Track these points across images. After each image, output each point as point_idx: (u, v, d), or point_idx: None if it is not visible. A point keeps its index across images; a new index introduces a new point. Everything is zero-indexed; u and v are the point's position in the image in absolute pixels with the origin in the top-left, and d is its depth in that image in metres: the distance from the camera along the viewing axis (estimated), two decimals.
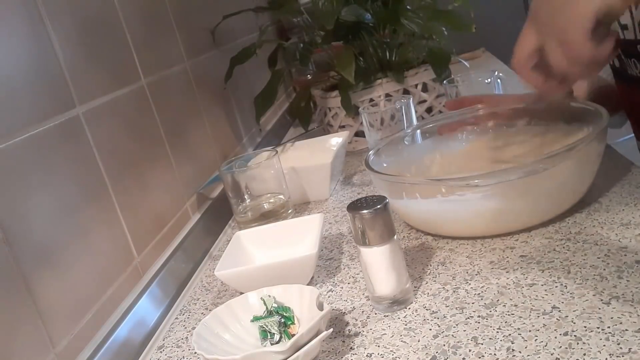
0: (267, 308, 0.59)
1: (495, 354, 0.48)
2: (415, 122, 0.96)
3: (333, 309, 0.61)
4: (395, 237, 0.57)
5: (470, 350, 0.49)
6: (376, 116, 0.95)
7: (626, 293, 0.51)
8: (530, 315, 0.51)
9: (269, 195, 0.91)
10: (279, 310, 0.58)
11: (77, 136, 0.70)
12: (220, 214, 1.00)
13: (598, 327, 0.47)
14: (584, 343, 0.46)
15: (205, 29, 1.26)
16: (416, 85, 1.14)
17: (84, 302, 0.64)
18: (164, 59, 1.00)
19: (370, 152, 0.80)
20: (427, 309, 0.57)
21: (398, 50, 1.16)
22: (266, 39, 1.30)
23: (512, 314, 0.52)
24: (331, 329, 0.54)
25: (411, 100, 0.96)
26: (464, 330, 0.52)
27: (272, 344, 0.56)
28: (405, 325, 0.55)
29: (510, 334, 0.50)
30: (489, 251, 0.64)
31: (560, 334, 0.48)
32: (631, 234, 0.59)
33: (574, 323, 0.49)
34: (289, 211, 0.90)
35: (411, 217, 0.75)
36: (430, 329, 0.54)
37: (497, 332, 0.50)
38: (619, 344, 0.45)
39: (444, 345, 0.51)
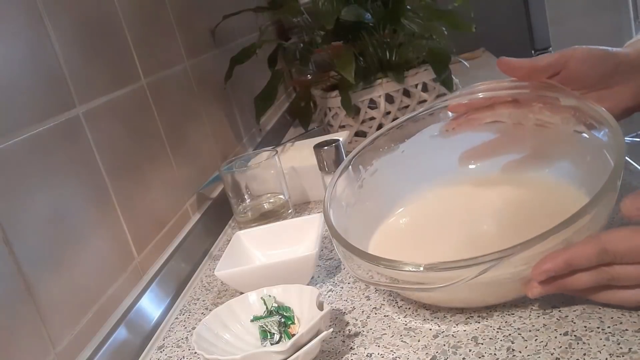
0: (267, 308, 0.59)
1: (495, 354, 0.48)
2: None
3: (333, 309, 0.61)
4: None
5: (470, 350, 0.49)
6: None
7: None
8: (530, 315, 0.51)
9: (269, 195, 0.91)
10: (279, 310, 0.58)
11: (77, 136, 0.70)
12: (220, 214, 1.00)
13: (598, 327, 0.47)
14: (584, 343, 0.46)
15: (205, 29, 1.26)
16: (416, 85, 1.14)
17: (84, 302, 0.64)
18: (164, 59, 1.00)
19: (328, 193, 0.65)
20: (427, 309, 0.57)
21: (398, 50, 1.16)
22: (266, 39, 1.30)
23: (512, 314, 0.52)
24: (331, 329, 0.54)
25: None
26: (464, 330, 0.52)
27: (272, 344, 0.56)
28: (405, 325, 0.55)
29: (510, 334, 0.50)
30: None
31: (560, 334, 0.48)
32: None
33: (574, 323, 0.49)
34: (289, 211, 0.90)
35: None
36: (430, 329, 0.54)
37: (497, 332, 0.50)
38: (619, 344, 0.45)
39: (444, 345, 0.51)
